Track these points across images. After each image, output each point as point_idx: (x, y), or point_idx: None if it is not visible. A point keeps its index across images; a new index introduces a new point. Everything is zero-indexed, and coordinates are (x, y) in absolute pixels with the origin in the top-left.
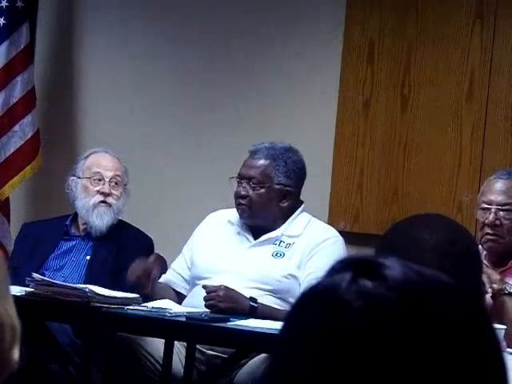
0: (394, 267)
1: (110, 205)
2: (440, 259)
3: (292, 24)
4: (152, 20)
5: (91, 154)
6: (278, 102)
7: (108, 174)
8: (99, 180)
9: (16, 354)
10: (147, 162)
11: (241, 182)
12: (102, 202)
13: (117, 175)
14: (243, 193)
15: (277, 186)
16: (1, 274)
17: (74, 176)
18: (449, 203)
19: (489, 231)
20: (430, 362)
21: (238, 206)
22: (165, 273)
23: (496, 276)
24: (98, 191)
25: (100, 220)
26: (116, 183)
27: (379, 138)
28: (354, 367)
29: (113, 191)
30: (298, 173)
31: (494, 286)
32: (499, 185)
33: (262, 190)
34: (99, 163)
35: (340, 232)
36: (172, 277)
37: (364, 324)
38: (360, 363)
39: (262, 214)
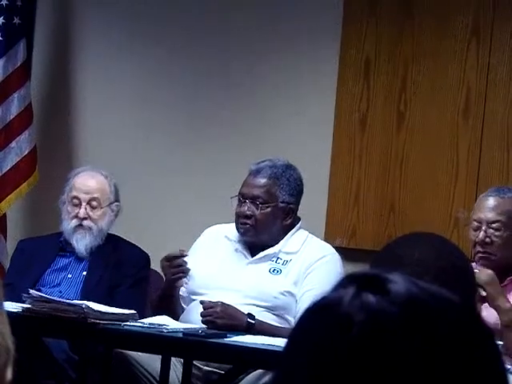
0: (397, 282)
1: (89, 228)
2: (420, 274)
3: (288, 40)
4: (149, 36)
5: (76, 174)
6: (274, 119)
7: (84, 197)
8: (75, 205)
9: (9, 373)
10: (144, 176)
11: (244, 202)
12: (79, 225)
13: (94, 198)
14: (248, 212)
15: (281, 205)
16: None
17: (64, 196)
18: (445, 219)
19: (480, 249)
20: (433, 377)
21: (242, 225)
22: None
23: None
24: (75, 215)
25: (79, 243)
26: (94, 206)
27: (376, 154)
28: (356, 381)
29: (91, 214)
30: (298, 190)
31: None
32: (488, 202)
33: (268, 209)
34: (77, 186)
35: (336, 248)
36: None
37: (366, 338)
38: (362, 377)
39: (266, 233)
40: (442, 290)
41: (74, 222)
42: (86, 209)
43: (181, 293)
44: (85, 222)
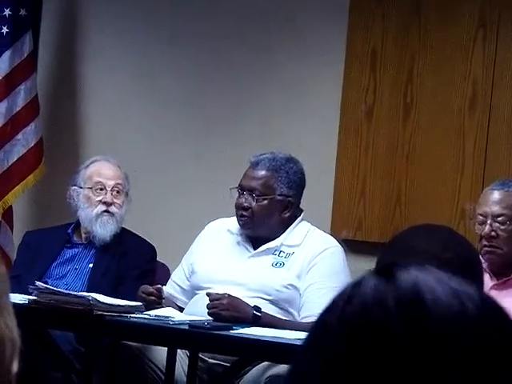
0: (410, 269)
1: (112, 214)
2: (426, 264)
3: (294, 33)
4: (155, 29)
5: (92, 162)
6: (280, 111)
7: (110, 183)
8: (101, 189)
9: (15, 366)
10: (149, 169)
11: (242, 194)
12: (105, 211)
13: (118, 184)
14: (245, 204)
15: (279, 197)
16: (2, 286)
17: (76, 186)
18: (452, 212)
19: (486, 243)
20: (426, 362)
21: (240, 217)
22: (165, 284)
23: None
24: (101, 201)
25: (103, 229)
26: (118, 192)
27: (382, 146)
28: (351, 358)
29: (115, 200)
30: (298, 183)
31: None
32: (493, 196)
33: (265, 202)
34: (100, 172)
35: (343, 240)
36: (172, 289)
37: (355, 316)
38: (356, 356)
39: (264, 225)
40: (463, 285)
41: (100, 207)
42: (111, 194)
43: (184, 286)
44: (111, 208)
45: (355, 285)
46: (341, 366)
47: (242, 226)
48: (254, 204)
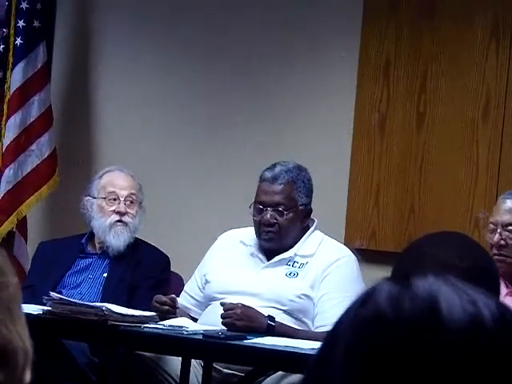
0: (427, 277)
1: (126, 224)
2: (443, 272)
3: (308, 41)
4: (167, 37)
5: (105, 173)
6: (293, 120)
7: (123, 193)
8: (114, 199)
9: (28, 376)
10: (163, 179)
11: (266, 210)
12: (119, 221)
13: (131, 193)
14: (272, 221)
15: (301, 207)
16: (15, 295)
17: (89, 196)
18: (465, 220)
19: (496, 252)
20: (439, 370)
21: (266, 233)
22: (178, 296)
23: None
24: (114, 211)
25: (117, 239)
26: (131, 201)
27: (395, 155)
28: (364, 362)
29: (128, 210)
30: (311, 190)
31: None
32: (505, 205)
33: (291, 214)
34: (114, 182)
35: (356, 250)
36: (186, 301)
37: (368, 319)
38: (368, 359)
39: (289, 237)
40: (483, 298)
41: (114, 217)
42: (125, 204)
43: (197, 298)
44: (125, 218)
45: (370, 290)
46: (354, 370)
47: (268, 241)
48: (280, 219)
